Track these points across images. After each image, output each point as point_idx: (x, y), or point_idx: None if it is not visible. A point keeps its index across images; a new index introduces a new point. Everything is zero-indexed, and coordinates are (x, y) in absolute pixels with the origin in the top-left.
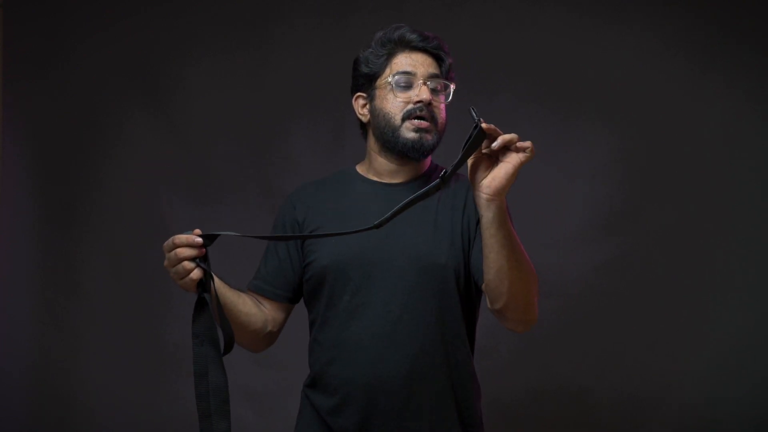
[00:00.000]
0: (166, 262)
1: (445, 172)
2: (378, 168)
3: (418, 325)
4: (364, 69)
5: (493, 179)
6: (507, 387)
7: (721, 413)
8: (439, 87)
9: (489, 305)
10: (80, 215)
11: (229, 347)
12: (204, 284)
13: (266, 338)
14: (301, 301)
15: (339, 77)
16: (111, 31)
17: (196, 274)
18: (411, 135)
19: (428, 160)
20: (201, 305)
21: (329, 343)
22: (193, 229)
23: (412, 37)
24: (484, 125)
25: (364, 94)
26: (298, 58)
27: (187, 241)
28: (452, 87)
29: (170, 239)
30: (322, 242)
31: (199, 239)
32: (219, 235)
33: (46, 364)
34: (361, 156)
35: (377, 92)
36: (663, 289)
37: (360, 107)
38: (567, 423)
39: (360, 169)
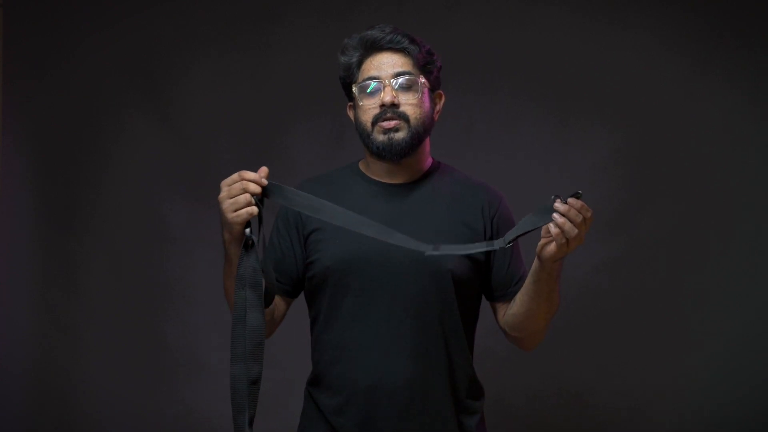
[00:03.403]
0: (223, 193)
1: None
2: (375, 170)
3: (421, 328)
4: (341, 79)
5: (547, 248)
6: (507, 388)
7: (722, 415)
8: (410, 82)
9: (502, 326)
10: (80, 215)
11: (270, 296)
12: (250, 227)
13: (269, 324)
14: (300, 298)
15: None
16: (111, 31)
17: (253, 210)
18: (381, 137)
19: (427, 159)
20: (246, 248)
21: (332, 344)
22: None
23: (376, 37)
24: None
25: (351, 103)
26: (298, 58)
27: (254, 178)
28: (421, 80)
29: (235, 174)
30: (326, 241)
31: (265, 181)
32: (279, 192)
33: (46, 364)
34: (360, 155)
35: (355, 101)
36: (663, 290)
37: (352, 115)
38: (567, 424)
39: (362, 166)
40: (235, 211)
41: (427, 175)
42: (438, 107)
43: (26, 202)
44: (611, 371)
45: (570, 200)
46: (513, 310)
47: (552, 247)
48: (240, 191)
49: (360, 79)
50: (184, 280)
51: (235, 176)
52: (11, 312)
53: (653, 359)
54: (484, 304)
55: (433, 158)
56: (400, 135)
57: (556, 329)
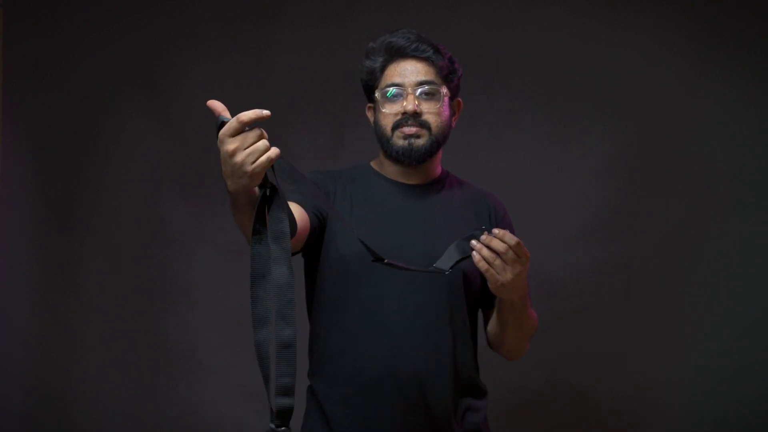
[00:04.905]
0: (235, 144)
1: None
2: (390, 171)
3: (432, 323)
4: (362, 81)
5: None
6: (507, 388)
7: (722, 415)
8: (432, 91)
9: (486, 335)
10: (80, 215)
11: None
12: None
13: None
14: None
15: (339, 77)
16: (111, 31)
17: (274, 151)
18: (401, 143)
19: (438, 167)
20: (263, 200)
21: (342, 333)
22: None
23: (401, 45)
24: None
25: (371, 104)
26: (298, 58)
27: (258, 116)
28: (443, 90)
29: (233, 120)
30: (342, 230)
31: (268, 112)
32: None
33: (46, 364)
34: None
35: (376, 104)
36: (663, 289)
37: (371, 116)
38: (567, 423)
39: (375, 165)
40: (255, 161)
41: (439, 180)
42: (456, 115)
43: (26, 202)
44: (611, 371)
45: (495, 231)
46: (490, 327)
47: (490, 284)
48: (257, 138)
49: (383, 84)
50: (184, 280)
51: (234, 124)
52: (11, 312)
53: (654, 359)
54: None
55: (441, 167)
56: (420, 142)
57: (557, 329)
